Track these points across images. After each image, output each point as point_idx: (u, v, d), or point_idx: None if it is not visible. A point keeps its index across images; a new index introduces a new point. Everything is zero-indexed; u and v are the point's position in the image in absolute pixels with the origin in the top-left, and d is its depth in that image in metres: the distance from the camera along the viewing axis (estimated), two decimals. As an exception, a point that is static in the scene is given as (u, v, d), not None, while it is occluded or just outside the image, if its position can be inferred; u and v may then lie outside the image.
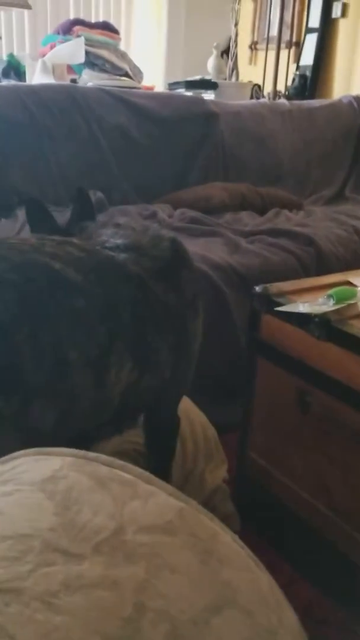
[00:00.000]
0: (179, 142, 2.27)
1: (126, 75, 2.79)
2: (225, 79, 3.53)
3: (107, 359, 0.83)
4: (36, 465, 0.52)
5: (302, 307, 1.13)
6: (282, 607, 0.49)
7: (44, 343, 0.76)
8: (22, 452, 0.55)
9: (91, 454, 0.53)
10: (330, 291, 1.15)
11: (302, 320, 1.12)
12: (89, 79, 2.60)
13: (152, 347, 0.91)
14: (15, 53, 3.02)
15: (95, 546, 0.44)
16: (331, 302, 1.13)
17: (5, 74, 2.79)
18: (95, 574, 0.42)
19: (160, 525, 0.47)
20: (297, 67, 3.37)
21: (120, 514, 0.47)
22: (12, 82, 2.58)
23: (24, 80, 2.67)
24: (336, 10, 3.18)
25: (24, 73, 2.77)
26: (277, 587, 0.51)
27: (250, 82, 3.34)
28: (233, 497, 1.30)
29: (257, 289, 1.23)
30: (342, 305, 1.12)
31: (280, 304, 1.17)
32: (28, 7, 2.68)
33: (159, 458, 1.08)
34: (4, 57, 2.90)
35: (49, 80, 2.46)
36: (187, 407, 1.31)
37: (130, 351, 0.86)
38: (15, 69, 2.86)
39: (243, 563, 0.49)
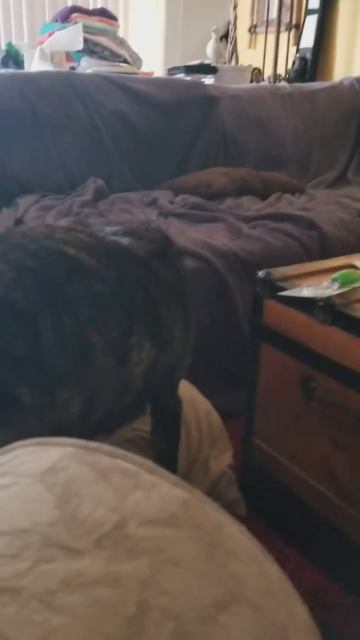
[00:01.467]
0: (179, 127, 2.24)
1: (125, 62, 2.75)
2: (225, 63, 3.47)
3: (128, 341, 0.84)
4: (35, 457, 0.50)
5: (306, 291, 1.11)
6: (292, 601, 0.47)
7: (65, 329, 0.76)
8: (20, 442, 0.53)
9: (92, 444, 0.51)
10: (335, 275, 1.13)
11: (306, 304, 1.10)
12: (88, 66, 2.56)
13: (166, 325, 0.92)
14: (13, 42, 2.97)
15: (97, 541, 0.42)
16: (335, 285, 1.11)
17: (4, 64, 2.75)
18: (96, 570, 0.40)
19: (164, 517, 0.45)
20: (297, 50, 3.31)
21: (123, 506, 0.45)
22: (10, 70, 2.55)
23: (23, 70, 2.63)
24: (336, -9, 3.11)
25: (23, 62, 2.73)
26: (287, 579, 0.49)
27: (250, 65, 3.28)
28: (238, 483, 1.29)
29: (260, 273, 1.21)
30: (347, 288, 1.10)
31: (283, 289, 1.15)
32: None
33: (167, 443, 1.08)
34: (2, 47, 2.86)
35: (47, 68, 2.42)
36: (191, 394, 1.30)
37: (148, 331, 0.88)
38: (14, 58, 2.82)
39: (251, 555, 0.47)
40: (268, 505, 1.27)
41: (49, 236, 0.84)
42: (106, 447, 0.50)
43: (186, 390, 1.30)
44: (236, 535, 0.47)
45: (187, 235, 1.68)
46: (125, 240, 0.92)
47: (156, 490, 0.47)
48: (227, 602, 0.43)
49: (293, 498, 1.19)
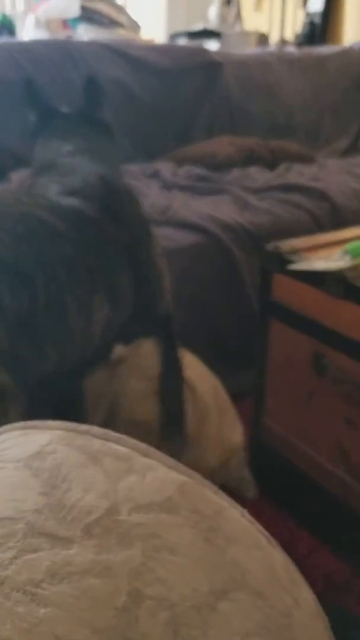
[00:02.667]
0: (182, 95, 2.17)
1: (124, 28, 2.67)
2: (230, 28, 3.36)
3: (92, 300, 0.91)
4: (22, 440, 0.47)
5: (316, 264, 1.07)
6: (297, 586, 0.45)
7: (51, 290, 0.84)
8: (7, 426, 0.50)
9: (83, 427, 0.48)
10: (346, 247, 1.09)
11: (316, 278, 1.06)
12: (86, 34, 2.48)
13: (118, 284, 0.98)
14: (8, 12, 2.90)
15: (86, 528, 0.39)
16: (347, 258, 1.07)
17: (-2, 35, 2.68)
18: (85, 559, 0.37)
19: (159, 502, 0.42)
20: (306, 14, 3.20)
21: (114, 491, 0.42)
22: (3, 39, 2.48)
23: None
24: None
25: (16, 32, 2.66)
26: (292, 564, 0.46)
27: (256, 30, 3.18)
28: (248, 464, 1.27)
29: (269, 247, 1.17)
30: (359, 261, 1.06)
31: (293, 262, 1.11)
32: None
33: (167, 404, 1.14)
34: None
35: (42, 36, 2.35)
36: (199, 371, 1.28)
37: (105, 290, 0.94)
38: (8, 28, 2.75)
39: (252, 540, 0.44)
40: (279, 486, 1.25)
41: (19, 201, 0.89)
42: (97, 430, 0.47)
43: (194, 368, 1.28)
44: (237, 519, 0.45)
45: (192, 208, 1.64)
46: (75, 202, 0.95)
47: (151, 474, 0.44)
48: (226, 589, 0.40)
49: (305, 479, 1.17)
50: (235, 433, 1.28)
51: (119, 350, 1.27)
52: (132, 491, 0.42)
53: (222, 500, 0.46)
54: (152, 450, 0.47)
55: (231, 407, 1.28)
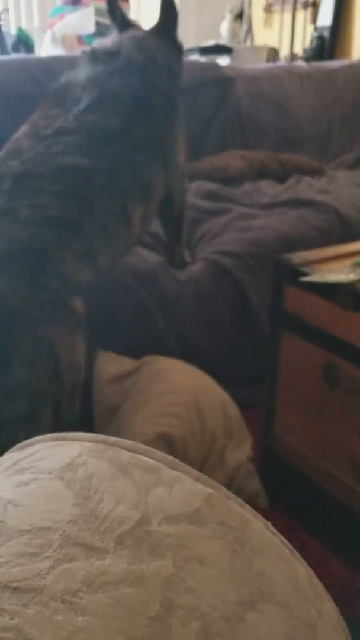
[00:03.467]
0: (194, 110, 2.19)
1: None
2: (240, 44, 3.41)
3: (126, 201, 1.14)
4: (54, 452, 0.49)
5: (328, 276, 1.08)
6: (320, 598, 0.46)
7: (101, 214, 1.09)
8: (38, 437, 0.52)
9: (111, 439, 0.49)
10: (357, 259, 1.11)
11: (327, 290, 1.07)
12: (100, 49, 2.52)
13: (150, 182, 1.22)
14: (24, 27, 2.94)
15: (118, 538, 0.40)
16: (358, 270, 1.08)
17: (15, 49, 2.72)
18: (119, 569, 0.39)
19: (188, 513, 0.43)
20: (315, 28, 3.23)
21: (144, 502, 0.43)
22: (22, 55, 2.52)
23: (34, 54, 2.60)
24: (355, -35, 3.02)
25: (34, 47, 2.70)
26: (315, 576, 0.47)
27: (266, 45, 3.21)
28: (260, 474, 1.27)
29: (281, 259, 1.18)
30: (370, 273, 1.07)
31: (304, 274, 1.12)
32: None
33: (172, 232, 1.51)
34: (13, 32, 2.83)
35: (58, 52, 2.39)
36: (206, 384, 1.28)
37: (139, 191, 1.18)
38: (24, 43, 2.79)
39: (278, 552, 0.45)
40: (291, 496, 1.26)
41: (37, 154, 1.08)
42: (125, 442, 0.48)
43: (201, 381, 1.28)
44: (262, 531, 0.46)
45: (197, 232, 1.66)
46: (95, 116, 1.15)
47: (179, 486, 0.46)
48: (254, 600, 0.41)
49: (316, 489, 1.17)
50: (243, 449, 1.27)
51: (126, 363, 1.29)
52: (161, 502, 0.44)
53: (247, 513, 0.47)
54: (178, 462, 0.48)
55: (240, 421, 1.27)
